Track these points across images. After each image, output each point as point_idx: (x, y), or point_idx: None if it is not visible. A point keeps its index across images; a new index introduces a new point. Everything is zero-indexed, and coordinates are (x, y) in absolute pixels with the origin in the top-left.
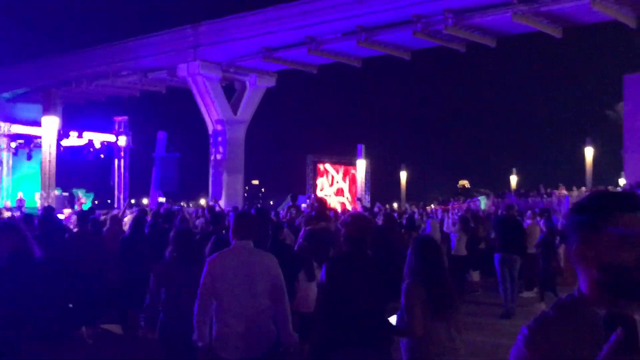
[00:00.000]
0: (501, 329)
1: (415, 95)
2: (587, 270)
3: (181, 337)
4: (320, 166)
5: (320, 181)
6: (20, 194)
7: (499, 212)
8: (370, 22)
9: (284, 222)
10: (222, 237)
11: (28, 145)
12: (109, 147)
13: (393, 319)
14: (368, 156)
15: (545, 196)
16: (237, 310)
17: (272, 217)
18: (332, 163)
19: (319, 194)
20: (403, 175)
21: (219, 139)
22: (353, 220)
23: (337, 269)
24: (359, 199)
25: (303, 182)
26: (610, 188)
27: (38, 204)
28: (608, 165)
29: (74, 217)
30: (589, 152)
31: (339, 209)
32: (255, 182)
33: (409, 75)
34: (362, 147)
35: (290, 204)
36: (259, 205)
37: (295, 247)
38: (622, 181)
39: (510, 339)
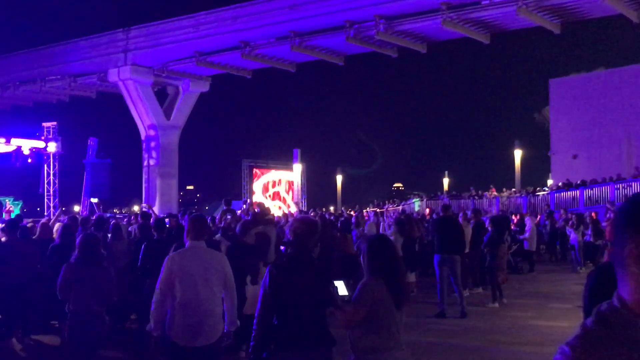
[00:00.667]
0: (435, 328)
1: (350, 100)
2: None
3: (88, 333)
4: (256, 170)
5: (256, 185)
6: (8, 203)
7: (434, 214)
8: (303, 28)
9: (218, 228)
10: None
11: None
12: (37, 154)
13: (341, 286)
14: (304, 160)
15: (476, 197)
16: (195, 302)
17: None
18: (267, 167)
19: (255, 198)
20: (339, 179)
21: (152, 144)
22: (300, 223)
23: (281, 272)
24: (297, 203)
25: (239, 187)
26: (538, 189)
27: None
28: (536, 166)
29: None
30: (517, 155)
31: (276, 214)
32: (191, 187)
33: (343, 80)
34: (297, 152)
35: (225, 208)
36: (193, 211)
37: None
38: (549, 182)
39: (444, 338)
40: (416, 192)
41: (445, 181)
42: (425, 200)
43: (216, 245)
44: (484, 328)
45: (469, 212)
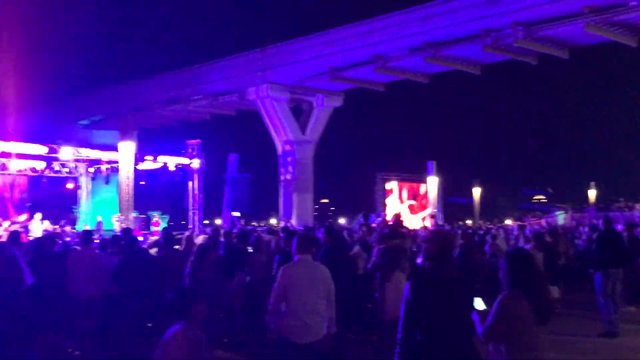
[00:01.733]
0: (581, 347)
1: (486, 110)
2: None
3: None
4: (390, 183)
5: (390, 199)
6: (99, 218)
7: (581, 227)
8: (437, 38)
9: (356, 240)
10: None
11: (106, 170)
12: (182, 170)
13: (479, 303)
14: (439, 173)
15: (626, 210)
16: (302, 306)
17: (345, 236)
18: (402, 180)
19: (389, 211)
20: (476, 192)
21: (288, 159)
22: (434, 237)
23: (422, 288)
24: (433, 216)
25: (372, 200)
26: None
27: (115, 227)
28: None
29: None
30: None
31: (411, 227)
32: (325, 200)
33: (479, 90)
34: (432, 164)
35: (362, 222)
36: (328, 223)
37: (369, 265)
38: None
39: (589, 356)
40: (559, 204)
41: (592, 192)
42: (570, 213)
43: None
44: (635, 347)
45: (617, 226)
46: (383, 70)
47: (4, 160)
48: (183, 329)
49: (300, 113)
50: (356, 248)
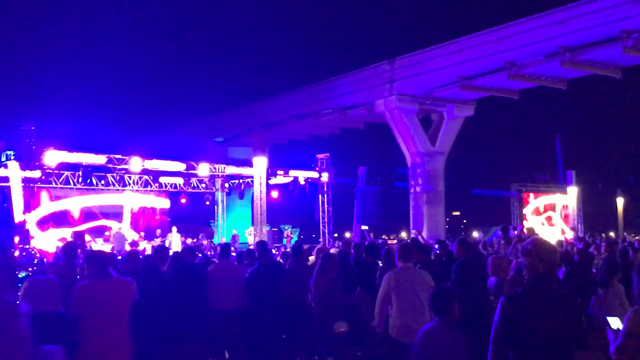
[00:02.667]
0: None
1: (630, 115)
2: None
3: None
4: (526, 195)
5: (527, 210)
6: (234, 231)
7: None
8: (574, 42)
9: (490, 254)
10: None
11: (240, 185)
12: (312, 184)
13: (615, 322)
14: (579, 182)
15: None
16: (406, 308)
17: (480, 249)
18: (539, 191)
19: (526, 224)
20: (619, 202)
21: (418, 171)
22: (536, 248)
23: (514, 305)
24: (572, 228)
25: (507, 213)
26: None
27: (249, 240)
28: None
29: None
30: None
31: (551, 240)
32: (457, 213)
33: (620, 94)
34: (572, 174)
35: (501, 235)
36: (462, 235)
37: (508, 277)
38: None
39: None
40: None
41: None
42: None
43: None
44: None
45: None
46: (516, 77)
47: (146, 177)
48: (440, 325)
49: (429, 124)
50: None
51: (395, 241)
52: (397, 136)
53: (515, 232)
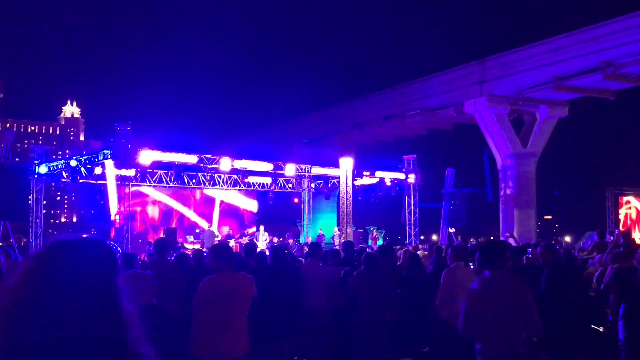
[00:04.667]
0: None
1: None
2: None
3: None
4: (623, 198)
5: (624, 214)
6: (320, 232)
7: None
8: None
9: (586, 260)
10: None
11: (326, 186)
12: (398, 185)
13: None
14: None
15: None
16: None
17: (576, 254)
18: (638, 195)
19: (622, 227)
20: None
21: (509, 173)
22: None
23: None
24: None
25: (602, 217)
26: None
27: (335, 240)
28: None
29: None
30: None
31: None
32: (549, 217)
33: None
34: None
35: (597, 239)
36: (553, 242)
37: (602, 286)
38: None
39: None
40: None
41: None
42: None
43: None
44: None
45: None
46: (613, 77)
47: (235, 176)
48: (491, 275)
49: (521, 125)
50: (590, 266)
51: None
52: (487, 137)
53: (612, 237)
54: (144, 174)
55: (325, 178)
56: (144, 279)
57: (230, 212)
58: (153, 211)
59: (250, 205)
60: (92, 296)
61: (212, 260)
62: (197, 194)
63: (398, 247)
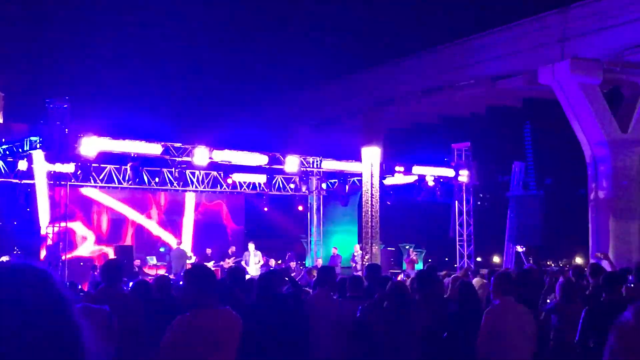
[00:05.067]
0: None
1: None
2: None
3: None
4: None
5: None
6: (334, 250)
7: None
8: None
9: None
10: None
11: (342, 187)
12: (446, 186)
13: None
14: None
15: None
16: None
17: None
18: None
19: None
20: None
21: (601, 168)
22: None
23: None
24: None
25: None
26: None
27: (355, 263)
28: None
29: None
30: None
31: None
32: None
33: None
34: None
35: None
36: None
37: None
38: None
39: None
40: None
41: None
42: None
43: None
44: None
45: None
46: None
47: (214, 173)
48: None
49: (619, 100)
50: None
51: (567, 269)
52: (570, 118)
53: None
54: (87, 171)
55: (342, 176)
56: (101, 317)
57: (208, 224)
58: (100, 222)
59: (236, 214)
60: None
61: (187, 292)
62: (162, 198)
63: (444, 272)
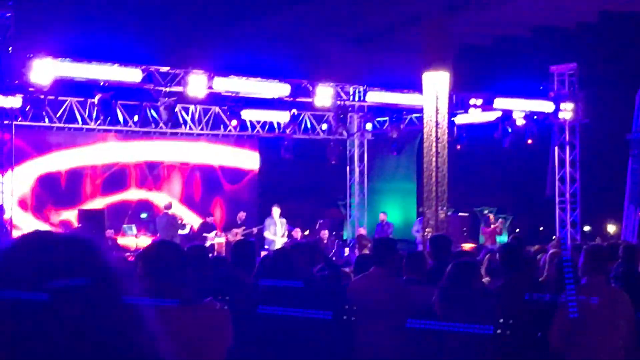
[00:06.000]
0: None
1: None
2: None
3: None
4: None
5: None
6: (383, 216)
7: None
8: None
9: None
10: None
11: (395, 127)
12: (541, 125)
13: None
14: None
15: None
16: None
17: None
18: None
19: None
20: None
21: None
22: None
23: None
24: None
25: None
26: None
27: (414, 232)
28: None
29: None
30: None
31: None
32: None
33: None
34: None
35: None
36: None
37: None
38: None
39: None
40: None
41: None
42: None
43: None
44: None
45: None
46: None
47: (216, 109)
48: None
49: None
50: None
51: None
52: None
53: None
54: (38, 105)
55: (395, 112)
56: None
57: (208, 181)
58: (56, 178)
59: (248, 165)
60: None
61: (147, 277)
62: (143, 146)
63: (536, 247)
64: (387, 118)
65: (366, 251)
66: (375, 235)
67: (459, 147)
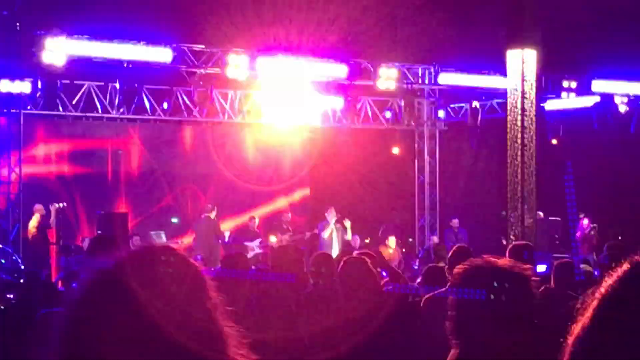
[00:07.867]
0: None
1: None
2: None
3: None
4: None
5: None
6: (455, 222)
7: None
8: None
9: None
10: None
11: (472, 115)
12: None
13: None
14: None
15: None
16: None
17: None
18: None
19: None
20: None
21: None
22: None
23: None
24: None
25: None
26: None
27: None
28: None
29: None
30: None
31: None
32: None
33: None
34: None
35: None
36: None
37: None
38: None
39: None
40: None
41: None
42: None
43: None
44: None
45: None
46: None
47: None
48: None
49: None
50: None
51: None
52: None
53: None
54: (51, 91)
55: (472, 97)
56: None
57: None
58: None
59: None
60: None
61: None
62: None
63: None
64: (463, 104)
65: (442, 264)
66: (445, 242)
67: (552, 141)
